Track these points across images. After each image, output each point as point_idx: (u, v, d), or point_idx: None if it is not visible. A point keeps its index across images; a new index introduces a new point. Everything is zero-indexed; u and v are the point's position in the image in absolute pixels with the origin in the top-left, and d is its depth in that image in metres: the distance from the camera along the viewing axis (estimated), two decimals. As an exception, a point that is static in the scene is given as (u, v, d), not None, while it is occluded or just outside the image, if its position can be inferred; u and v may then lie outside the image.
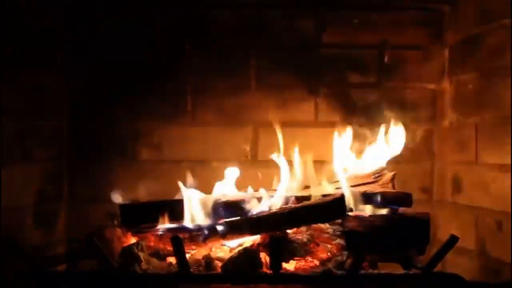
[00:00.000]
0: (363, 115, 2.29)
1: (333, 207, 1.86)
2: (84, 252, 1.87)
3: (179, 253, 1.71)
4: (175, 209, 1.91)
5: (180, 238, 1.72)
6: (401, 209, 1.96)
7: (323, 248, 1.87)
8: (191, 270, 1.74)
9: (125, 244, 1.87)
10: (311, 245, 1.86)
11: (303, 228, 1.91)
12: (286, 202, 1.93)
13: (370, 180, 2.04)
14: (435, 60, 2.33)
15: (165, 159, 2.32)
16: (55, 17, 2.23)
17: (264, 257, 1.80)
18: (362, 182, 2.03)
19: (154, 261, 1.85)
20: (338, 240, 1.87)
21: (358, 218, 1.90)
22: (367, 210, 1.94)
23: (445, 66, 2.32)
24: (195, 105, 2.33)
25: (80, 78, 2.30)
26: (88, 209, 2.27)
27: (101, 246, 1.74)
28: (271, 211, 1.89)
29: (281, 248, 1.77)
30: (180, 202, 1.92)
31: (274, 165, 2.07)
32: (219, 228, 1.86)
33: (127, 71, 2.30)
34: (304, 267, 1.82)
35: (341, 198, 1.86)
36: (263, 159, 2.26)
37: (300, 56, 2.33)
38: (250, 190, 2.03)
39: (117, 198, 1.97)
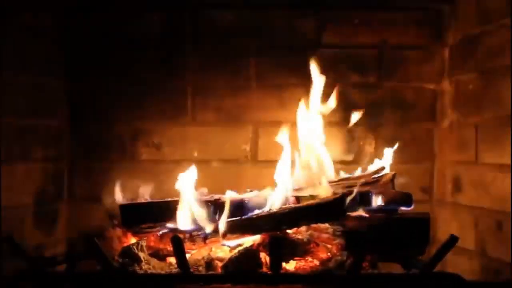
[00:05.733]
0: (363, 115, 2.29)
1: (333, 207, 1.86)
2: (84, 252, 1.87)
3: (179, 253, 1.71)
4: (175, 209, 1.90)
5: (180, 238, 1.72)
6: (401, 209, 1.96)
7: (323, 248, 1.87)
8: (191, 270, 1.74)
9: (125, 244, 1.87)
10: (311, 245, 1.86)
11: (303, 228, 1.91)
12: (286, 202, 1.93)
13: (370, 180, 2.04)
14: (435, 60, 2.33)
15: (165, 159, 2.32)
16: (55, 17, 2.23)
17: (264, 257, 1.80)
18: (362, 182, 2.03)
19: (154, 261, 1.85)
20: (338, 240, 1.87)
21: (358, 218, 1.90)
22: (367, 210, 1.94)
23: (445, 66, 2.32)
24: (195, 105, 2.33)
25: (80, 78, 2.30)
26: (88, 209, 2.27)
27: (101, 246, 1.74)
28: (271, 211, 1.89)
29: (281, 248, 1.77)
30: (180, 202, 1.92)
31: (274, 165, 2.07)
32: (219, 228, 1.86)
33: (127, 70, 2.30)
34: (304, 267, 1.82)
35: (342, 198, 1.86)
36: (263, 159, 2.26)
37: (300, 56, 2.32)
38: (249, 190, 2.03)
39: (118, 197, 1.98)
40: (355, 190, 1.91)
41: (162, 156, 2.33)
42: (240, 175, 2.15)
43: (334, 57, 2.33)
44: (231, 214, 1.86)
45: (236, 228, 1.86)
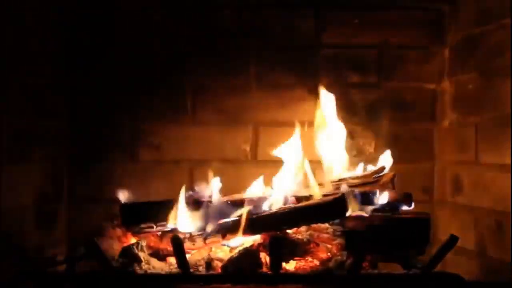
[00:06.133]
0: (363, 115, 2.29)
1: (334, 207, 1.86)
2: (84, 252, 1.87)
3: (179, 253, 1.71)
4: (175, 209, 1.90)
5: (180, 238, 1.72)
6: (401, 209, 1.96)
7: (323, 248, 1.87)
8: (191, 270, 1.74)
9: (125, 244, 1.87)
10: (311, 245, 1.86)
11: (303, 228, 1.91)
12: (286, 202, 1.93)
13: (370, 180, 2.04)
14: (435, 60, 2.33)
15: (165, 159, 2.32)
16: (56, 17, 2.23)
17: (264, 257, 1.80)
18: (362, 182, 2.03)
19: (154, 261, 1.85)
20: (338, 240, 1.87)
21: (358, 218, 1.90)
22: (367, 210, 1.94)
23: (445, 66, 2.32)
24: (195, 105, 2.33)
25: (80, 78, 2.30)
26: (88, 209, 2.27)
27: (101, 246, 1.74)
28: (271, 211, 1.89)
29: (281, 248, 1.77)
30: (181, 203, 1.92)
31: (274, 165, 2.07)
32: (219, 228, 1.86)
33: (127, 70, 2.30)
34: (304, 267, 1.82)
35: (342, 198, 1.86)
36: (263, 159, 2.26)
37: (300, 56, 2.33)
38: (250, 190, 2.03)
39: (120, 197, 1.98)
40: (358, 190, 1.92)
41: (162, 156, 2.33)
42: (240, 175, 2.15)
43: (334, 57, 2.33)
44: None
45: (236, 228, 1.86)
